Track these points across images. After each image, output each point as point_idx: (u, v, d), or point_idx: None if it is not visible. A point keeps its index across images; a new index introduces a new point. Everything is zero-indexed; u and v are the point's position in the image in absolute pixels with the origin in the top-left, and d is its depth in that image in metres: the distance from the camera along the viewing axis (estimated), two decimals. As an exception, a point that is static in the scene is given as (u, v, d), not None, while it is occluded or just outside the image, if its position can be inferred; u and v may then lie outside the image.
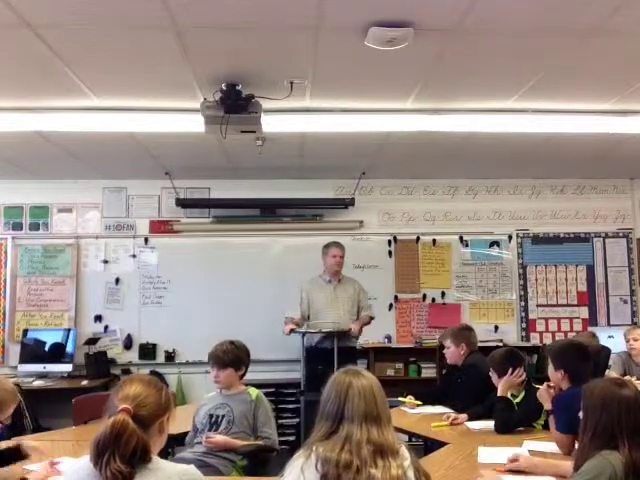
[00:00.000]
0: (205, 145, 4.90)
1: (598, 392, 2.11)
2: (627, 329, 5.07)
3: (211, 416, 3.23)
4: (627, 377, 4.53)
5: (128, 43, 3.17)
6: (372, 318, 5.34)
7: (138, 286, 6.13)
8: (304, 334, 5.07)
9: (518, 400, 3.46)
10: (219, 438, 3.08)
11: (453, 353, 4.16)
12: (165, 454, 2.76)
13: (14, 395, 2.58)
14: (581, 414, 2.22)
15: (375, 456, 1.78)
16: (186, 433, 3.33)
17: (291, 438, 5.42)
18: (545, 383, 3.15)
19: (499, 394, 3.43)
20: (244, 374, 3.36)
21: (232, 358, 3.27)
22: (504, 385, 3.44)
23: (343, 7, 2.81)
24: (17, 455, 2.54)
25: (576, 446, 2.70)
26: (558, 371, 2.97)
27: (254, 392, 3.31)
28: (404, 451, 1.86)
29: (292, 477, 1.79)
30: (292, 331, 5.03)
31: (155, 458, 1.80)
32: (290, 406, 5.61)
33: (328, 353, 4.86)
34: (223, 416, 3.20)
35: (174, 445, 3.31)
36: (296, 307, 5.27)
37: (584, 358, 3.01)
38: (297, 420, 5.51)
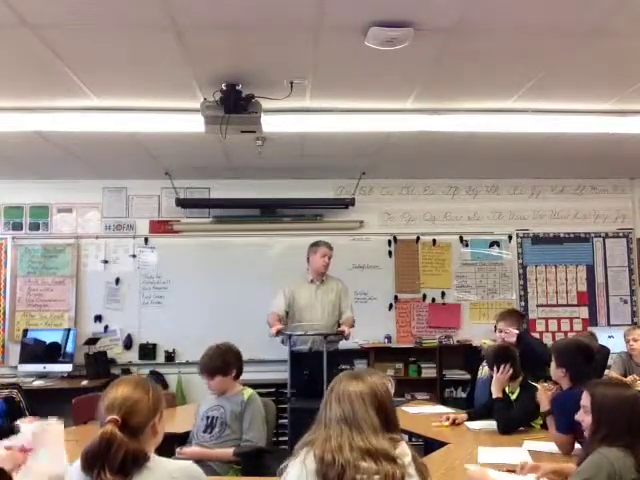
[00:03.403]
0: (205, 145, 4.90)
1: (611, 394, 2.18)
2: (627, 329, 5.07)
3: (207, 418, 3.22)
4: (630, 377, 4.55)
5: (128, 43, 3.17)
6: (354, 321, 5.01)
7: (138, 286, 6.13)
8: (290, 336, 4.78)
9: (515, 397, 3.46)
10: (192, 451, 3.06)
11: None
12: (168, 454, 2.76)
13: None
14: (582, 416, 2.24)
15: (365, 458, 1.74)
16: (186, 433, 3.33)
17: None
18: (544, 384, 3.16)
19: (494, 395, 3.43)
20: (238, 375, 3.30)
21: (218, 364, 3.20)
22: (496, 385, 3.45)
23: (343, 7, 2.81)
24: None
25: (576, 446, 2.72)
26: (560, 369, 2.99)
27: (247, 393, 3.26)
28: (404, 448, 1.83)
29: (295, 471, 1.79)
30: (279, 332, 4.73)
31: (153, 456, 1.80)
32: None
33: (305, 356, 4.74)
34: (217, 418, 3.18)
35: (175, 444, 3.30)
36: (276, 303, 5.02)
37: (586, 359, 3.02)
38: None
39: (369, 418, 1.83)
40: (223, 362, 3.22)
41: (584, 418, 2.24)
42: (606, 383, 2.30)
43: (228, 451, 3.06)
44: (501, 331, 4.21)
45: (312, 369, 4.72)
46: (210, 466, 2.96)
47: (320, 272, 5.09)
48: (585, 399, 2.24)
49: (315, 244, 5.14)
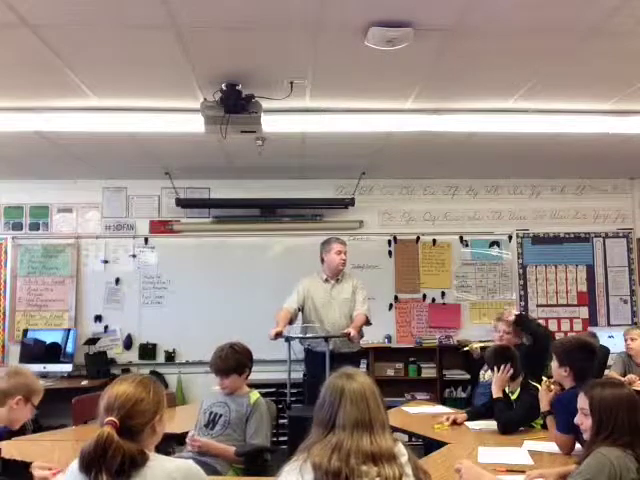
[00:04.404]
0: (205, 145, 4.90)
1: (609, 395, 2.18)
2: (626, 329, 5.08)
3: (210, 413, 3.21)
4: (630, 376, 4.55)
5: (128, 43, 3.17)
6: (368, 318, 4.73)
7: (138, 286, 6.14)
8: (288, 339, 4.49)
9: (515, 397, 3.47)
10: (203, 440, 3.06)
11: (510, 340, 4.14)
12: (165, 454, 2.76)
13: (41, 388, 2.67)
14: (580, 418, 2.24)
15: (366, 463, 1.74)
16: (186, 433, 3.32)
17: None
18: (544, 383, 3.15)
19: (494, 396, 3.43)
20: (248, 375, 3.31)
21: (234, 364, 3.19)
22: (496, 385, 3.45)
23: (343, 7, 2.81)
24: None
25: (577, 446, 2.72)
26: (562, 368, 2.96)
27: (254, 396, 3.25)
28: (401, 448, 1.83)
29: (291, 478, 1.77)
30: (278, 336, 4.42)
31: (153, 455, 1.79)
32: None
33: (323, 357, 4.46)
34: (221, 415, 3.18)
35: (174, 445, 3.30)
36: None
37: (590, 357, 3.01)
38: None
39: (380, 414, 1.84)
40: (239, 362, 3.21)
41: (583, 421, 2.23)
42: (602, 384, 2.28)
43: (231, 449, 3.06)
44: (496, 328, 4.25)
45: (320, 369, 4.35)
46: (211, 465, 2.95)
47: (338, 270, 4.81)
48: (582, 402, 2.23)
49: (326, 242, 4.90)
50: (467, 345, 4.79)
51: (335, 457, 1.73)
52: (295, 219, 6.25)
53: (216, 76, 3.61)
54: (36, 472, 2.50)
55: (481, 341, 4.84)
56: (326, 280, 4.87)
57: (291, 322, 4.73)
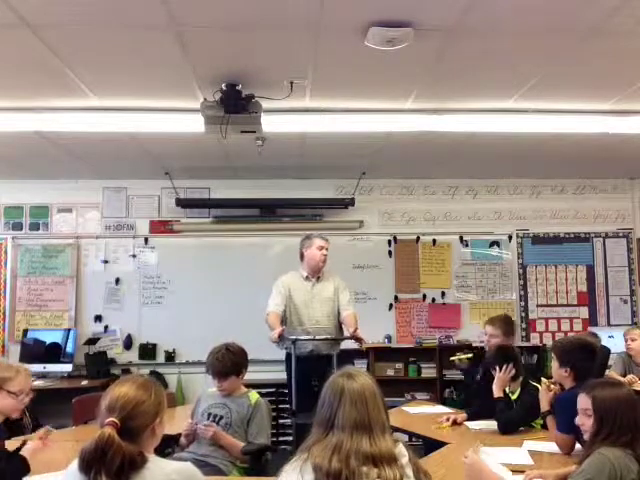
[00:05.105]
0: (205, 145, 4.90)
1: (609, 395, 2.18)
2: (626, 329, 5.08)
3: (209, 415, 3.19)
4: (630, 376, 4.55)
5: (128, 43, 3.17)
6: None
7: (138, 286, 6.14)
8: (294, 342, 4.25)
9: (515, 397, 3.46)
10: (217, 429, 3.05)
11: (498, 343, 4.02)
12: (164, 455, 2.76)
13: (8, 373, 2.73)
14: (582, 419, 2.23)
15: (366, 464, 1.74)
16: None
17: (291, 438, 5.40)
18: (543, 383, 3.15)
19: (495, 395, 3.42)
20: (244, 375, 3.30)
21: (231, 366, 3.18)
22: (497, 385, 3.44)
23: (343, 7, 2.81)
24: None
25: (577, 446, 2.72)
26: (563, 368, 2.94)
27: (254, 397, 3.24)
28: (401, 448, 1.83)
29: (291, 478, 1.77)
30: (281, 337, 4.24)
31: (151, 457, 1.78)
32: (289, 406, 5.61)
33: (306, 360, 4.32)
34: (221, 417, 3.16)
35: (174, 446, 3.29)
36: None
37: (590, 357, 3.00)
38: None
39: (380, 416, 1.83)
40: (236, 363, 3.20)
41: (584, 421, 2.22)
42: (602, 384, 2.28)
43: (240, 444, 3.05)
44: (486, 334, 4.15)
45: (314, 374, 4.13)
46: (215, 465, 2.95)
47: (319, 267, 4.57)
48: (584, 402, 2.22)
49: (307, 237, 4.65)
50: (454, 356, 4.68)
51: (335, 458, 1.73)
52: (295, 219, 6.24)
53: (216, 76, 3.61)
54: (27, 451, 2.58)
55: (468, 350, 4.75)
56: (307, 278, 4.62)
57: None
